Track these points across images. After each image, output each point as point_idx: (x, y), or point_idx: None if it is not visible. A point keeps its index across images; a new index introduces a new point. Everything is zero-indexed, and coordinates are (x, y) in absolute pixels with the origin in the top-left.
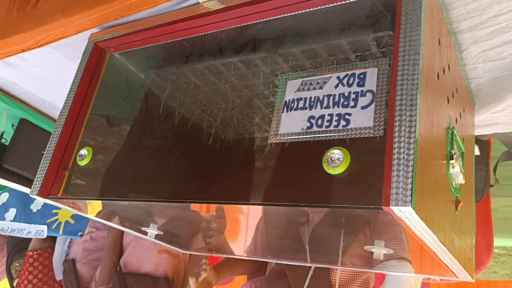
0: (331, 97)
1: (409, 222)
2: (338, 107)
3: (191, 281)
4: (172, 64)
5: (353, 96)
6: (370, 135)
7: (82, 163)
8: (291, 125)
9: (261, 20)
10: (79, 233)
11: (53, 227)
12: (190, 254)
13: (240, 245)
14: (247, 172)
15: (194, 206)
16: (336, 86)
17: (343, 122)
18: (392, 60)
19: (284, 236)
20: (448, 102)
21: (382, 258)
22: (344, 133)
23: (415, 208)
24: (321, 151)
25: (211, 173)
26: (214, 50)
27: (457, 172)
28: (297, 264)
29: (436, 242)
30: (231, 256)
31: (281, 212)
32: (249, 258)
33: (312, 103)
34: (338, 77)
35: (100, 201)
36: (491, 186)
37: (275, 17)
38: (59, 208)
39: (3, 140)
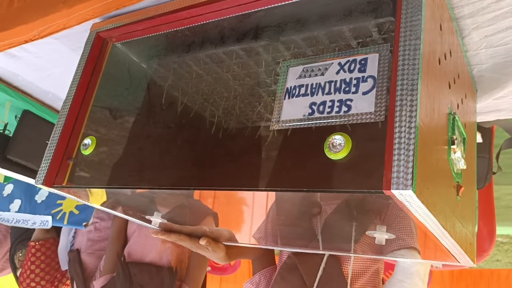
0: (333, 83)
1: (410, 205)
2: (339, 93)
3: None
4: (174, 53)
5: (354, 82)
6: (372, 121)
7: (86, 152)
8: (292, 111)
9: (262, 8)
10: (84, 223)
11: (57, 218)
12: None
13: (246, 232)
14: (250, 159)
15: (198, 195)
16: (338, 72)
17: (344, 108)
18: (393, 46)
19: (298, 225)
20: (449, 88)
21: (384, 243)
22: (346, 119)
23: (416, 191)
24: (323, 137)
25: (214, 161)
26: (216, 39)
27: (458, 158)
28: (309, 251)
29: (437, 226)
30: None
31: (294, 201)
32: (259, 246)
33: (313, 90)
34: (339, 63)
35: (104, 189)
36: (494, 173)
37: (276, 5)
38: (63, 199)
39: (6, 132)
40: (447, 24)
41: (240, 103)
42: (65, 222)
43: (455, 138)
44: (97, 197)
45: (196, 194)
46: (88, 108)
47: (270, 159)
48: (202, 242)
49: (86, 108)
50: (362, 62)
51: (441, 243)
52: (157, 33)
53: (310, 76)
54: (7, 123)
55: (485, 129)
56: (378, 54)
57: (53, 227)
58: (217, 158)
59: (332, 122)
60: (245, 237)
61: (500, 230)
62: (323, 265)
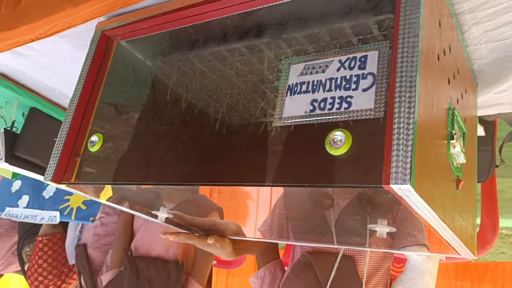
0: (333, 80)
1: (409, 200)
2: (340, 90)
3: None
4: (178, 51)
5: (354, 79)
6: (371, 117)
7: (93, 149)
8: (294, 108)
9: (264, 6)
10: (91, 219)
11: (65, 213)
12: None
13: (251, 226)
14: (253, 155)
15: (203, 190)
16: (338, 70)
17: (345, 105)
18: (392, 43)
19: (310, 219)
20: (449, 83)
21: (385, 237)
22: (346, 115)
23: (415, 186)
24: (324, 133)
25: (219, 157)
26: (219, 36)
27: (458, 152)
28: (323, 245)
29: (436, 219)
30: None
31: (302, 195)
32: (265, 239)
33: (314, 87)
34: (340, 61)
35: (111, 186)
36: (497, 166)
37: (278, 3)
38: (70, 195)
39: (14, 129)
40: (447, 20)
41: (243, 100)
42: (73, 218)
43: (454, 132)
44: (104, 192)
45: (201, 189)
46: (95, 106)
47: (273, 155)
48: (210, 240)
49: (92, 106)
50: (362, 59)
51: (441, 236)
52: (161, 31)
53: (311, 73)
54: (15, 121)
55: (488, 122)
56: (377, 51)
57: (60, 222)
58: (221, 154)
59: (333, 118)
60: (251, 231)
61: (505, 222)
62: (337, 264)
